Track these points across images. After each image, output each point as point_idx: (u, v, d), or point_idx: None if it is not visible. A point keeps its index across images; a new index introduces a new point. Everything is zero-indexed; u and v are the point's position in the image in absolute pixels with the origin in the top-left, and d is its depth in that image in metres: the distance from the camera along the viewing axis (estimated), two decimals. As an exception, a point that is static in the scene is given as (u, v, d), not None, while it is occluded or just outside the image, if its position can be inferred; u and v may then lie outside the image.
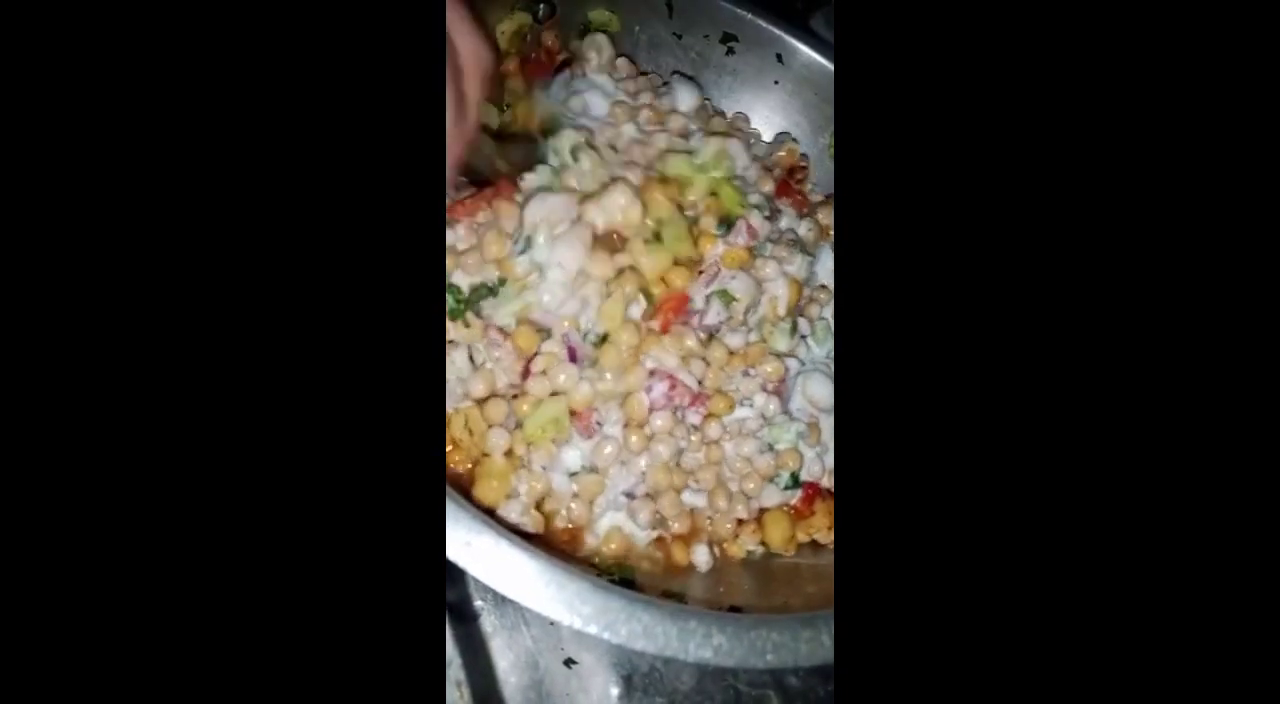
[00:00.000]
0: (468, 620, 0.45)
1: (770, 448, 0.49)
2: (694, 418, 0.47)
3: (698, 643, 0.37)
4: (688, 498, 0.48)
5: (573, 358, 0.45)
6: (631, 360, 0.46)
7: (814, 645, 0.39)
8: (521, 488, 0.45)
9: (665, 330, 0.47)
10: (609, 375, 0.45)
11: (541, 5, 0.55)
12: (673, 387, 0.46)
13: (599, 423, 0.45)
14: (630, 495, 0.46)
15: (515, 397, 0.46)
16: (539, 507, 0.45)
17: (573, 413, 0.45)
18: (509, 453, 0.45)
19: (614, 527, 0.47)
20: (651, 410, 0.46)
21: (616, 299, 0.45)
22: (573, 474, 0.46)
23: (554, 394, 0.45)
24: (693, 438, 0.47)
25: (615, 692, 0.46)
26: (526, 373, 0.45)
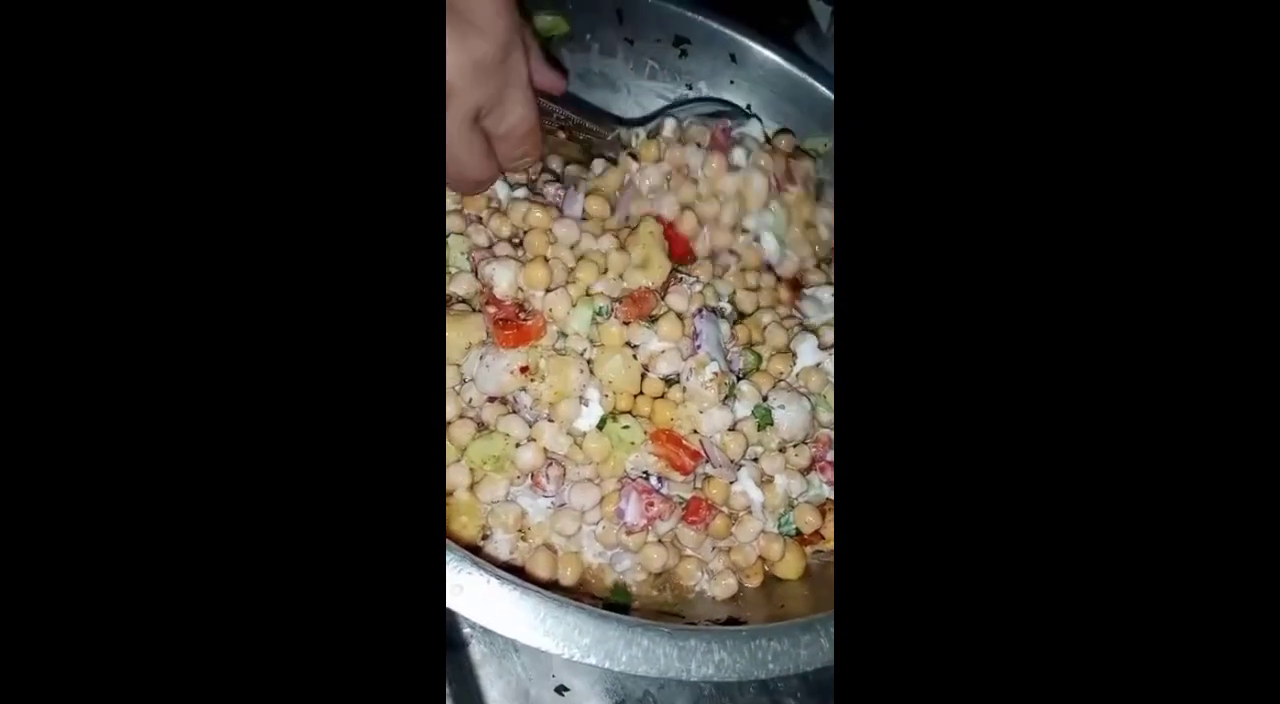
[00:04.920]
0: (456, 648, 0.44)
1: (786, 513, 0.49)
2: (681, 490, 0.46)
3: (699, 661, 0.37)
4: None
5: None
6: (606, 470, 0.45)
7: (814, 650, 0.39)
8: (495, 523, 0.44)
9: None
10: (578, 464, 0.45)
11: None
12: (650, 504, 0.45)
13: (548, 478, 0.45)
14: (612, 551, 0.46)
15: (481, 426, 0.45)
16: (524, 538, 0.45)
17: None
18: (472, 487, 0.44)
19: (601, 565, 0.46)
20: (626, 526, 0.45)
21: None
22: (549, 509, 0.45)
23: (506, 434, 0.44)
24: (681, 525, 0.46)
25: (609, 718, 0.45)
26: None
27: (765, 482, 0.48)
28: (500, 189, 0.51)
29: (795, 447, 0.49)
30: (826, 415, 0.50)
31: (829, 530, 0.50)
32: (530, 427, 0.45)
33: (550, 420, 0.45)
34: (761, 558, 0.48)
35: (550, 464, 0.45)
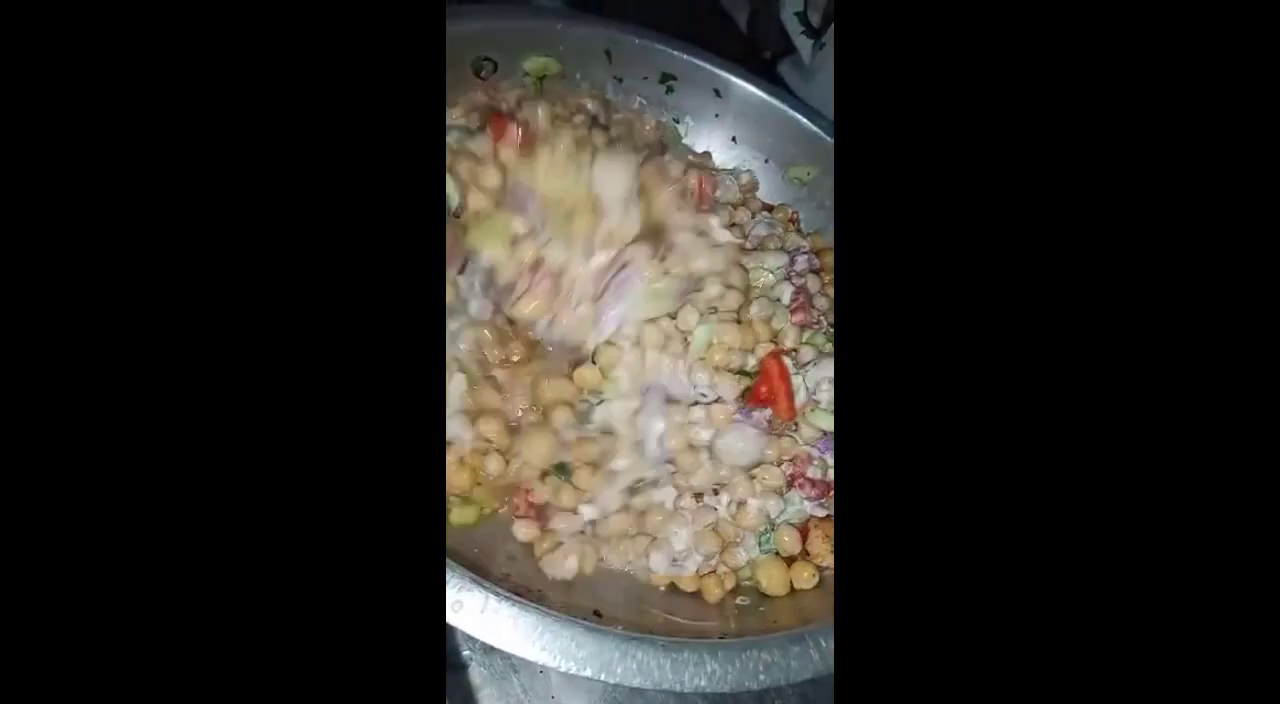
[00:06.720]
0: (456, 670, 0.45)
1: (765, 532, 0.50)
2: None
3: (691, 672, 0.38)
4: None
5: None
6: None
7: (804, 661, 0.41)
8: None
9: None
10: None
11: (484, 63, 0.56)
12: None
13: None
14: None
15: None
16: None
17: None
18: None
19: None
20: None
21: None
22: None
23: None
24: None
25: (607, 737, 0.46)
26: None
27: (739, 505, 0.50)
28: None
29: (762, 467, 0.51)
30: (808, 432, 0.52)
31: (815, 547, 0.52)
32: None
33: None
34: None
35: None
